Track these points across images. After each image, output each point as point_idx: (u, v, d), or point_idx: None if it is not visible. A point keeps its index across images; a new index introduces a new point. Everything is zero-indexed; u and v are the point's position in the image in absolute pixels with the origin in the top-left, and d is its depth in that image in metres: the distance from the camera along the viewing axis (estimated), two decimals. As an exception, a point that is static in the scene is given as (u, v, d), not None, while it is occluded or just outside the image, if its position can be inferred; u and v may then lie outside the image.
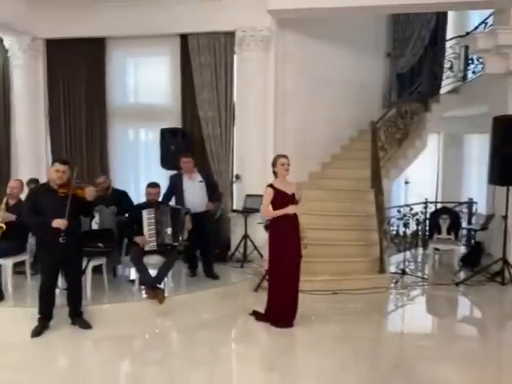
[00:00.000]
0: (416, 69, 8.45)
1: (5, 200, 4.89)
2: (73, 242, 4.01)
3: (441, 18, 8.56)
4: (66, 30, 6.62)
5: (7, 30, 6.41)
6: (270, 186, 4.23)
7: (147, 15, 6.35)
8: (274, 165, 4.29)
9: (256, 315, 4.43)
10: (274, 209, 4.17)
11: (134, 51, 7.00)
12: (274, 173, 4.28)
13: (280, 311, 4.22)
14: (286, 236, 4.18)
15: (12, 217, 4.74)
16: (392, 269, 6.29)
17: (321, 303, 4.95)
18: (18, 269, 5.04)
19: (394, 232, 7.66)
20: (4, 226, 4.70)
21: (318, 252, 5.54)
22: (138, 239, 4.80)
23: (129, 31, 6.54)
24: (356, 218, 6.19)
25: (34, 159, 6.83)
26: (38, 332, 3.99)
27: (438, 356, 3.74)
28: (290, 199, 4.18)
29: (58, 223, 3.87)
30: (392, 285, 5.69)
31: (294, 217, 4.23)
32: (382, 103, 8.50)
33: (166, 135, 6.49)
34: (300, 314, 4.31)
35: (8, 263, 4.76)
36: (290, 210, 4.13)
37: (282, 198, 4.15)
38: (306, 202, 4.53)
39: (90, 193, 4.04)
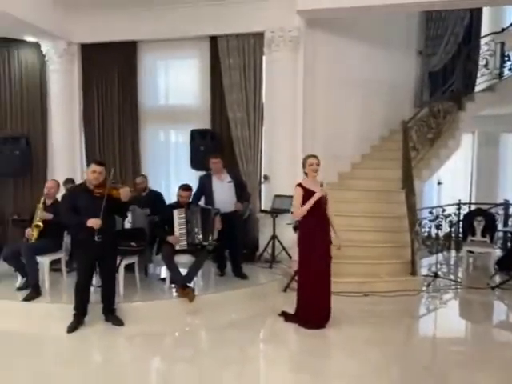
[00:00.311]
0: (449, 67, 8.24)
1: (42, 200, 5.08)
2: (108, 241, 4.12)
3: (475, 15, 8.32)
4: (99, 35, 6.81)
5: (45, 35, 6.65)
6: (299, 185, 4.22)
7: (177, 18, 6.47)
8: (303, 165, 4.28)
9: (285, 316, 4.43)
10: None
11: (165, 54, 7.11)
12: (305, 174, 4.27)
13: (309, 312, 4.19)
14: (315, 237, 4.16)
15: (49, 216, 4.90)
16: (424, 271, 6.16)
17: (351, 305, 4.89)
18: (55, 266, 5.21)
19: (426, 234, 7.49)
20: (41, 225, 4.88)
21: (348, 253, 5.44)
22: (170, 238, 4.88)
23: (160, 34, 6.67)
24: (387, 219, 6.10)
25: (69, 160, 7.05)
26: (73, 327, 4.11)
27: (472, 362, 3.64)
28: (321, 199, 4.13)
29: (93, 223, 3.97)
30: (424, 288, 5.57)
31: (324, 218, 4.20)
32: (414, 102, 8.33)
33: (196, 136, 6.59)
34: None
35: (45, 261, 4.93)
36: (316, 195, 4.08)
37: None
38: (336, 202, 4.49)
39: (124, 193, 4.13)
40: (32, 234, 4.88)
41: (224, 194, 5.43)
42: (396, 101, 7.77)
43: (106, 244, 4.09)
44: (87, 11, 6.63)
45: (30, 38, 6.84)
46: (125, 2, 6.41)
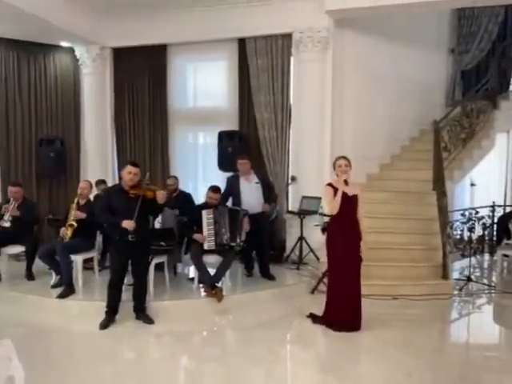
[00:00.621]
0: (482, 65, 8.03)
1: (76, 200, 5.24)
2: (141, 241, 4.20)
3: (510, 11, 8.06)
4: (130, 39, 6.98)
5: (79, 40, 6.88)
6: (329, 184, 4.19)
7: (206, 21, 6.55)
8: (333, 167, 4.24)
9: (313, 318, 4.40)
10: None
11: (194, 56, 7.22)
12: (337, 175, 4.22)
13: (338, 315, 4.15)
14: (344, 238, 4.12)
15: (82, 215, 5.05)
16: (455, 275, 6.00)
17: (380, 308, 4.81)
18: (87, 264, 5.37)
19: (458, 236, 7.29)
20: (75, 224, 5.04)
21: (377, 256, 5.40)
22: (196, 236, 4.94)
23: (189, 37, 6.79)
24: (417, 221, 5.98)
25: (101, 161, 7.25)
26: (105, 325, 4.21)
27: (506, 368, 3.52)
28: (351, 200, 4.10)
29: (127, 224, 4.05)
30: (456, 292, 5.42)
31: (353, 219, 4.15)
32: (446, 102, 8.14)
33: (224, 138, 6.65)
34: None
35: (78, 259, 5.09)
36: (343, 188, 4.04)
37: (342, 199, 4.07)
38: (364, 204, 4.42)
39: (160, 196, 4.19)
40: (66, 233, 5.04)
41: (251, 195, 5.44)
42: (426, 100, 7.62)
43: (139, 244, 4.17)
44: (119, 16, 6.81)
45: (64, 44, 7.09)
46: (155, 6, 6.54)
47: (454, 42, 8.29)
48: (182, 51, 7.15)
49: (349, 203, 4.09)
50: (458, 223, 7.31)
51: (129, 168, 4.19)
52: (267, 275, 5.44)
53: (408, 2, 5.71)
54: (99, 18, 6.84)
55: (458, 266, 6.56)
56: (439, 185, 5.83)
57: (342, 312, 4.13)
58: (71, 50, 7.21)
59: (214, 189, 5.15)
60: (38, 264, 5.43)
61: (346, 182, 4.10)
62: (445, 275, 5.43)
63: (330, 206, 4.17)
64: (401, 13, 6.65)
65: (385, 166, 7.29)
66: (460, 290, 5.51)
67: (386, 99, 7.17)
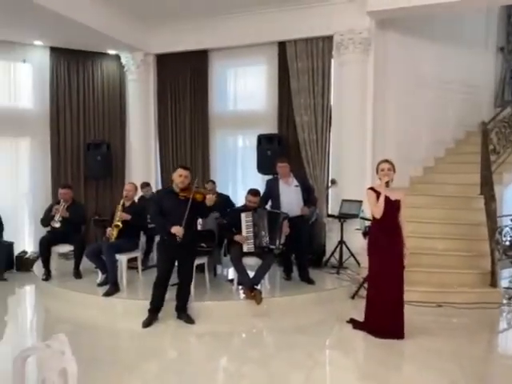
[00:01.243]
0: (535, 63, 7.64)
1: (121, 201, 5.43)
2: (188, 242, 4.30)
3: None
4: (173, 45, 7.19)
5: (125, 48, 7.15)
6: (371, 188, 4.13)
7: (247, 26, 6.63)
8: (376, 169, 4.16)
9: (353, 323, 4.34)
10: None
11: (234, 61, 7.30)
12: (380, 179, 4.15)
13: (380, 321, 4.06)
14: (386, 243, 4.03)
15: (127, 216, 5.23)
16: (505, 283, 5.72)
17: (423, 316, 4.68)
18: (131, 264, 5.54)
19: (508, 243, 6.95)
20: (120, 225, 5.22)
21: (421, 261, 5.28)
22: (237, 237, 4.99)
23: (230, 42, 6.89)
24: (463, 226, 5.76)
25: (145, 164, 7.49)
26: (147, 323, 4.34)
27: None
28: (394, 205, 4.01)
29: (176, 230, 4.18)
30: (505, 301, 5.17)
31: (396, 223, 4.06)
32: (494, 102, 7.81)
33: (263, 141, 6.69)
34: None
35: (123, 259, 5.26)
36: (386, 192, 3.97)
37: (384, 203, 3.99)
38: (407, 208, 4.32)
39: (210, 199, 4.28)
40: (112, 233, 5.22)
41: (291, 198, 5.43)
42: (473, 101, 7.35)
43: (186, 245, 4.28)
44: (162, 24, 7.02)
45: (111, 51, 7.38)
46: (196, 13, 6.68)
47: (503, 40, 7.95)
48: (223, 56, 7.27)
49: (391, 208, 4.00)
50: (507, 229, 6.97)
51: (180, 171, 4.32)
52: (306, 279, 5.41)
53: (452, 1, 5.53)
54: (144, 26, 7.09)
55: (507, 274, 6.25)
56: (487, 189, 5.59)
57: (384, 319, 4.04)
58: (117, 57, 7.50)
59: (254, 192, 5.18)
60: (85, 263, 5.67)
61: (386, 184, 4.02)
62: (493, 283, 5.21)
63: (372, 209, 4.10)
64: (445, 12, 6.46)
65: (428, 169, 7.08)
66: (509, 298, 5.25)
67: (429, 100, 6.98)
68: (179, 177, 4.29)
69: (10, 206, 6.95)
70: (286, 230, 5.06)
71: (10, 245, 6.54)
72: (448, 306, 4.90)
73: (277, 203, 5.44)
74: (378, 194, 4.01)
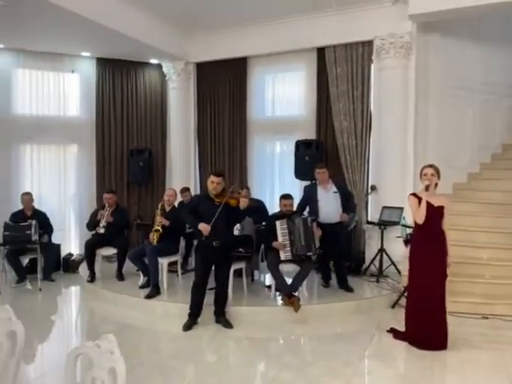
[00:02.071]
0: None
1: (162, 206, 5.58)
2: (224, 246, 4.38)
3: None
4: (212, 53, 7.33)
5: (166, 57, 7.37)
6: (413, 194, 4.03)
7: (285, 33, 6.66)
8: (420, 175, 4.06)
9: (394, 333, 4.24)
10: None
11: (273, 67, 7.33)
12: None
13: (421, 332, 3.95)
14: (428, 252, 3.92)
15: (166, 222, 5.35)
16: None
17: (468, 327, 4.50)
18: (171, 268, 5.65)
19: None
20: (160, 230, 5.36)
21: (466, 271, 5.09)
22: (275, 244, 5.00)
23: (268, 49, 6.95)
24: (510, 235, 5.51)
25: (184, 170, 7.65)
26: (188, 326, 4.43)
27: None
28: (436, 211, 3.90)
29: (202, 227, 4.26)
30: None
31: (438, 231, 3.95)
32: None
33: (301, 146, 6.67)
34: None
35: (164, 262, 5.39)
36: (427, 198, 3.85)
37: (426, 210, 3.89)
38: (450, 215, 4.18)
39: (242, 203, 4.34)
40: (153, 237, 5.37)
41: (329, 204, 5.39)
42: (522, 104, 7.04)
43: (222, 249, 4.35)
44: (202, 33, 7.18)
45: (153, 61, 7.62)
46: (236, 22, 6.78)
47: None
48: (262, 62, 7.33)
49: (434, 214, 3.89)
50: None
51: (211, 178, 4.40)
52: (345, 287, 5.34)
53: (498, 1, 5.33)
54: (185, 36, 7.29)
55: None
56: (538, 196, 5.34)
57: (426, 329, 3.93)
58: (159, 67, 7.73)
59: (285, 196, 5.20)
60: (127, 265, 5.86)
61: (426, 189, 3.91)
62: (545, 296, 4.95)
63: (414, 215, 4.00)
64: (489, 13, 6.24)
65: (473, 176, 6.82)
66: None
67: (474, 104, 6.75)
68: (211, 183, 4.36)
69: (57, 210, 7.30)
70: (317, 232, 5.02)
71: (58, 247, 6.85)
72: (494, 318, 4.70)
73: (315, 209, 5.40)
74: (420, 200, 3.92)
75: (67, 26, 5.78)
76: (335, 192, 5.46)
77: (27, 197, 6.38)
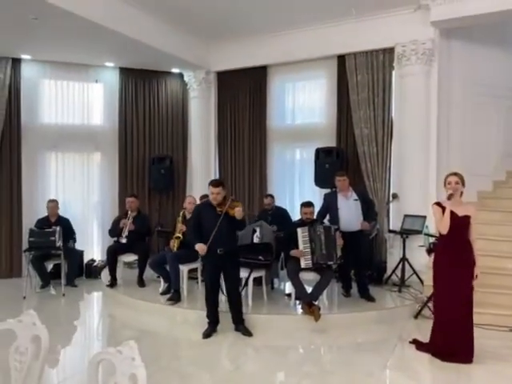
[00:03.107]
0: None
1: (181, 213, 5.63)
2: (229, 253, 4.39)
3: None
4: (233, 62, 7.41)
5: (188, 66, 7.48)
6: (437, 203, 3.94)
7: (306, 40, 6.69)
8: (444, 183, 3.96)
9: (417, 344, 4.14)
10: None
11: (293, 75, 7.35)
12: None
13: (446, 344, 3.84)
14: (452, 261, 3.83)
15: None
16: None
17: (494, 340, 4.36)
18: (191, 274, 5.69)
19: None
20: (181, 237, 5.40)
21: (491, 282, 4.95)
22: (293, 252, 4.98)
23: (289, 57, 6.97)
24: (539, 245, 5.36)
25: (204, 177, 7.67)
26: (207, 334, 4.44)
27: None
28: (461, 221, 3.81)
29: (199, 247, 4.32)
30: None
31: (464, 241, 3.85)
32: None
33: (321, 154, 6.65)
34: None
35: (185, 269, 5.43)
36: (452, 207, 3.76)
37: (451, 219, 3.79)
38: (476, 224, 4.08)
39: (237, 213, 4.32)
40: (174, 244, 5.42)
41: (350, 212, 5.35)
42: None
43: (227, 256, 4.36)
44: (223, 42, 7.26)
45: (175, 70, 7.74)
46: (256, 31, 6.83)
47: None
48: (282, 71, 7.36)
49: (458, 224, 3.80)
50: None
51: (210, 189, 4.40)
52: (366, 296, 5.26)
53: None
54: (206, 46, 7.39)
55: None
56: None
57: (451, 341, 3.83)
58: (180, 76, 7.84)
59: (306, 204, 5.18)
60: (148, 272, 5.92)
61: (449, 198, 3.82)
62: None
63: (437, 225, 3.91)
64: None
65: (499, 184, 6.65)
66: None
67: (498, 111, 6.62)
68: (211, 194, 4.38)
69: (80, 216, 7.44)
70: (339, 242, 4.99)
71: (81, 253, 6.98)
72: (523, 330, 4.55)
73: (335, 217, 5.36)
74: (444, 209, 3.83)
75: (93, 38, 5.93)
76: (355, 200, 5.41)
77: (53, 204, 6.55)
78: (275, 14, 6.25)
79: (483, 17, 5.51)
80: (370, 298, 5.22)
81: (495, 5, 5.31)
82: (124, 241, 5.91)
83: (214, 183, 4.44)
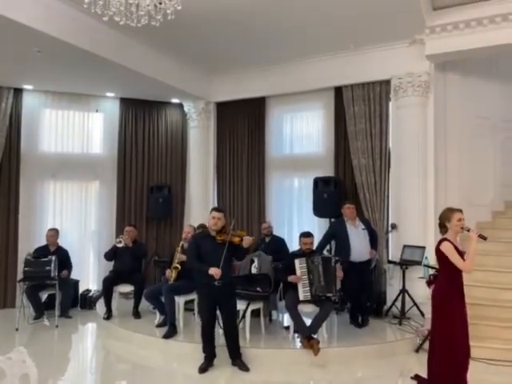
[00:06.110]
0: None
1: (181, 243, 5.58)
2: (226, 285, 4.30)
3: None
4: (232, 93, 7.51)
5: (188, 97, 7.58)
6: (447, 240, 3.71)
7: (303, 73, 6.80)
8: (448, 219, 3.74)
9: (418, 380, 4.03)
10: (448, 268, 3.69)
11: (291, 106, 7.43)
12: (443, 226, 3.78)
13: (444, 379, 3.73)
14: (453, 295, 3.74)
15: (185, 258, 5.32)
16: None
17: (496, 375, 4.25)
18: (187, 306, 5.58)
19: None
20: (179, 267, 5.33)
21: (491, 314, 4.87)
22: (291, 278, 4.90)
23: (287, 89, 7.07)
24: (540, 277, 5.29)
25: (203, 207, 7.65)
26: (203, 368, 4.31)
27: None
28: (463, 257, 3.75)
29: (214, 271, 4.16)
30: None
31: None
32: None
33: (319, 183, 6.65)
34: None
35: (181, 300, 5.33)
36: (457, 244, 3.68)
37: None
38: (477, 256, 4.02)
39: (246, 241, 4.30)
40: (171, 275, 5.34)
41: (360, 241, 5.40)
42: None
43: (224, 288, 4.26)
44: (222, 73, 7.38)
45: (175, 100, 7.84)
46: (256, 63, 6.95)
47: None
48: (280, 102, 7.45)
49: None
50: None
51: (212, 213, 4.39)
52: (356, 323, 5.29)
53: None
54: (206, 77, 7.51)
55: None
56: None
57: (449, 377, 3.69)
58: (180, 106, 7.94)
59: (306, 234, 5.14)
60: (144, 303, 5.81)
61: (469, 230, 3.69)
62: None
63: (460, 264, 3.62)
64: (507, 52, 6.25)
65: (498, 214, 6.63)
66: None
67: (495, 141, 6.67)
68: (212, 219, 4.34)
69: (76, 245, 7.36)
70: (339, 274, 4.94)
71: (76, 283, 6.88)
72: (526, 366, 4.43)
73: (345, 246, 5.36)
74: (456, 247, 3.67)
75: (95, 70, 6.03)
76: (363, 229, 5.44)
77: (52, 232, 6.51)
78: (274, 47, 6.37)
79: (477, 51, 5.63)
80: (358, 324, 5.26)
81: (488, 39, 5.43)
82: (120, 245, 5.92)
83: (217, 209, 4.54)
